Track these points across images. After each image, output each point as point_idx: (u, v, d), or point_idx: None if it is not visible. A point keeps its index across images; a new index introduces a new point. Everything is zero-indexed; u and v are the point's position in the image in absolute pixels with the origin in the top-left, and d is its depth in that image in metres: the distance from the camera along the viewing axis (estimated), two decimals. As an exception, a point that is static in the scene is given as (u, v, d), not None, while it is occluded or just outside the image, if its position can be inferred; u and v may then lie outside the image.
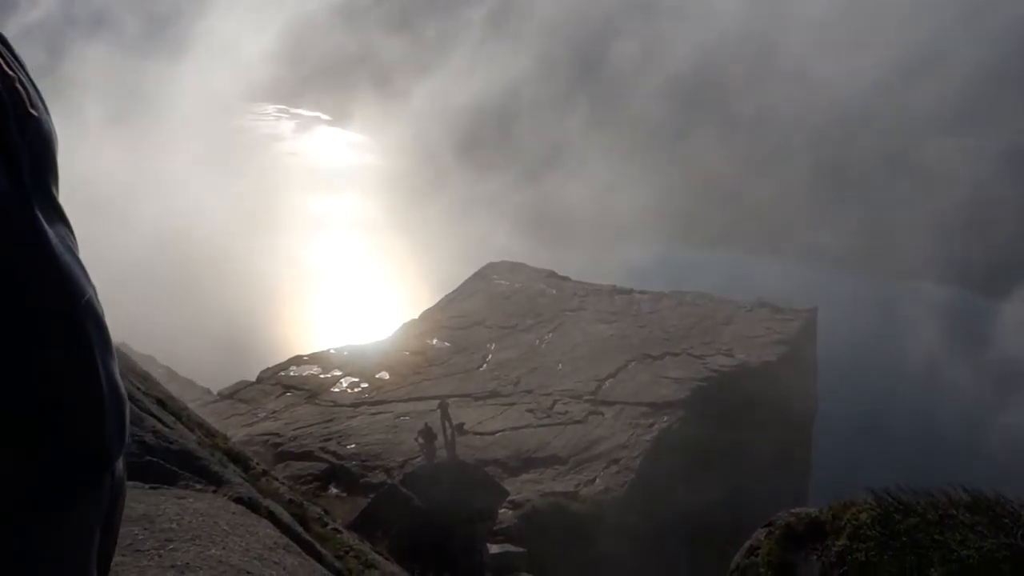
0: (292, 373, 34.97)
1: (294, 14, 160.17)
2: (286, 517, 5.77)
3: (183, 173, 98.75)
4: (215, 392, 34.00)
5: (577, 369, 34.71)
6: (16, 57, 1.73)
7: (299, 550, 3.69)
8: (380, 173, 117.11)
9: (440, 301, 44.32)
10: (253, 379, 34.84)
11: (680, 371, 34.51)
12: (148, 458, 4.74)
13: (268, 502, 7.48)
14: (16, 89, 1.62)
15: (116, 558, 3.37)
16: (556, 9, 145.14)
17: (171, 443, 5.01)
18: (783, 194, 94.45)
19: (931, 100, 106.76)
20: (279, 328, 66.09)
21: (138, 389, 9.65)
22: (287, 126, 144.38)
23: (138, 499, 3.61)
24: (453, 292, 45.48)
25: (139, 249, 73.15)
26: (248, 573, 2.90)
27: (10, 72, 1.63)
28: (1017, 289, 72.70)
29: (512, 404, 31.58)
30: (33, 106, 1.65)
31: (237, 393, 33.18)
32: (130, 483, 4.07)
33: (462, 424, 29.13)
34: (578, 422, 30.25)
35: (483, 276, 47.04)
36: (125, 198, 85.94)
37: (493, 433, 29.25)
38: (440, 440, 27.95)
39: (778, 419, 34.78)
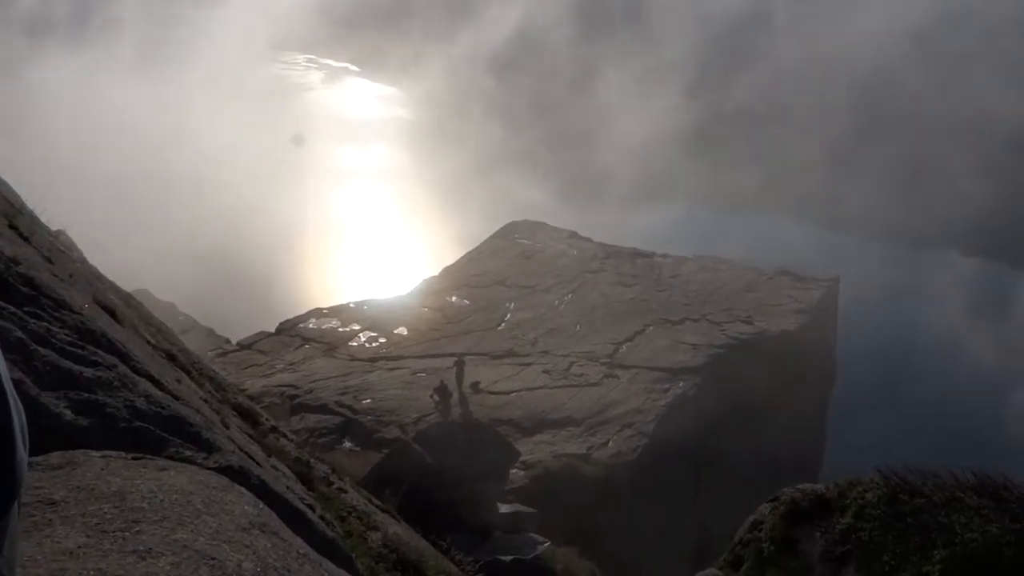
0: (311, 325, 35.17)
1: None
2: (281, 484, 5.77)
3: (210, 119, 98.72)
4: (234, 342, 34.29)
5: (595, 331, 34.65)
6: None
7: (279, 526, 3.66)
8: (408, 125, 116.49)
9: (461, 258, 44.26)
10: (272, 330, 35.10)
11: (698, 337, 34.37)
12: (137, 423, 4.73)
13: (270, 463, 7.51)
14: None
15: (80, 539, 3.37)
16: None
17: (163, 408, 4.99)
18: (810, 156, 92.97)
19: (966, 55, 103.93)
20: (300, 278, 66.43)
21: (148, 343, 9.68)
22: (316, 76, 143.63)
23: (116, 472, 3.58)
24: (474, 249, 45.40)
25: (162, 194, 73.57)
26: (213, 559, 2.86)
27: None
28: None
29: (528, 364, 31.65)
30: None
31: (256, 344, 33.45)
32: (112, 453, 4.05)
33: (478, 383, 29.24)
34: (594, 385, 30.29)
35: (505, 234, 46.89)
36: (150, 143, 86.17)
37: (508, 393, 29.36)
38: (455, 398, 28.12)
39: (795, 388, 34.62)
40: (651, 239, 50.66)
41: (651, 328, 34.96)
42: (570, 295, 38.40)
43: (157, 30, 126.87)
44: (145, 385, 5.13)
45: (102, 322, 5.97)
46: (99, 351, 5.04)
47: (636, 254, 44.12)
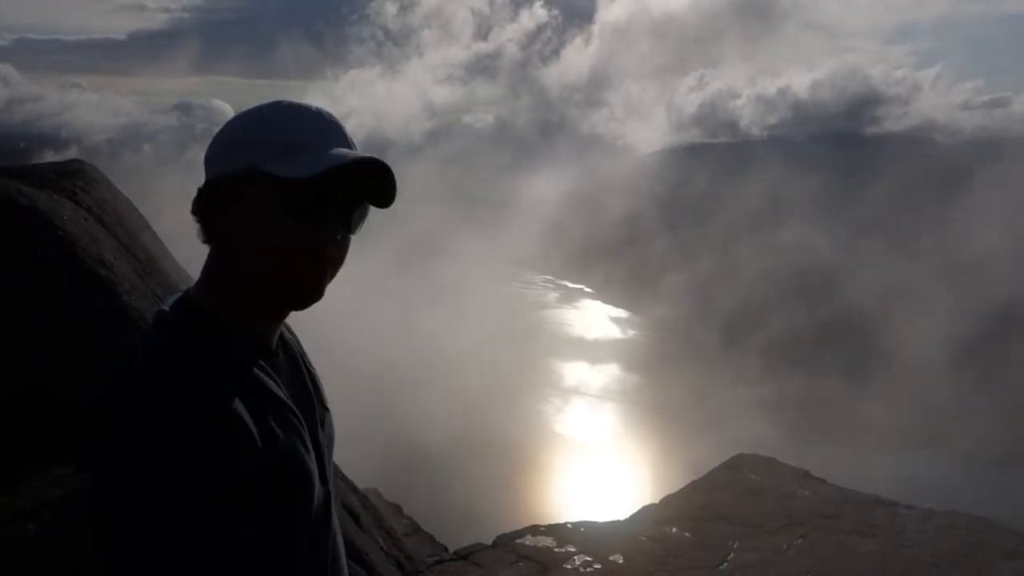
0: (527, 542, 34.74)
1: (584, 188, 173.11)
2: None
3: (447, 329, 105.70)
4: (451, 550, 34.63)
5: (827, 584, 31.71)
6: (305, 354, 1.88)
7: None
8: (640, 348, 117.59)
9: (684, 488, 42.72)
10: (489, 542, 35.18)
11: (949, 606, 30.39)
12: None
13: None
14: (317, 386, 1.80)
15: None
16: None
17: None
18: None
19: None
20: (521, 490, 66.65)
21: (380, 549, 10.16)
22: (552, 295, 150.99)
23: None
24: (698, 480, 43.45)
25: (397, 395, 78.06)
26: None
27: (310, 369, 1.82)
28: None
29: (751, 611, 29.27)
30: (326, 401, 1.82)
31: (471, 555, 33.37)
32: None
33: (695, 626, 27.36)
34: (824, 645, 27.33)
35: (732, 467, 44.82)
36: (393, 344, 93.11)
37: (727, 641, 27.14)
38: (669, 640, 26.41)
39: None
40: (895, 487, 46.50)
41: (893, 589, 31.50)
42: (800, 540, 35.61)
43: (425, 240, 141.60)
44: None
45: (350, 529, 6.46)
46: (351, 562, 5.46)
47: (877, 502, 40.61)
